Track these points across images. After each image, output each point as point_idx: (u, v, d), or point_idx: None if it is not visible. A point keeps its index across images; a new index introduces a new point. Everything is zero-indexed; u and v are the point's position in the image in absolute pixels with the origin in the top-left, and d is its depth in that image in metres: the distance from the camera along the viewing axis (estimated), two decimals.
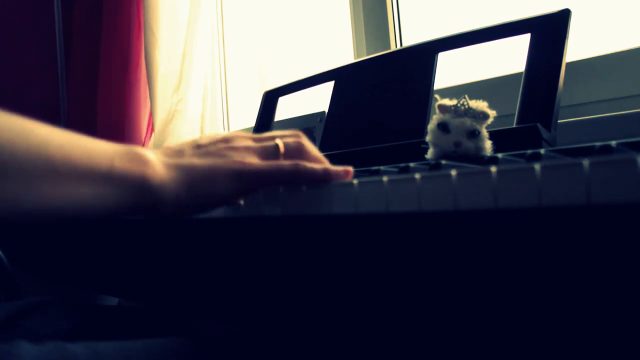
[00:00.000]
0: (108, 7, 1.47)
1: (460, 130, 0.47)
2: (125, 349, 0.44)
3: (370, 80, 0.80)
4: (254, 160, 0.39)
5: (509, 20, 0.67)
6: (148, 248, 0.66)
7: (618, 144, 0.34)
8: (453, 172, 0.29)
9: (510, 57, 0.88)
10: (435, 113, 0.50)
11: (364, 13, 1.15)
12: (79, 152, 0.33)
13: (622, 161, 0.23)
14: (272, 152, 0.41)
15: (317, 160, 0.43)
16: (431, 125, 0.49)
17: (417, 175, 0.31)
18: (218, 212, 0.46)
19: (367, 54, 1.13)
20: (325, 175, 0.39)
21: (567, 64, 0.62)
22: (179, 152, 0.39)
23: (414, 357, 0.35)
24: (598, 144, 0.34)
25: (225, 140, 0.41)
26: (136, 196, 0.35)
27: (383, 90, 0.77)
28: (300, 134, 0.44)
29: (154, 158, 0.37)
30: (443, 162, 0.41)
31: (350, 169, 0.40)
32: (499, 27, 0.68)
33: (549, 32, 0.62)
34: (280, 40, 1.46)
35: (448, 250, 0.31)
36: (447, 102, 0.49)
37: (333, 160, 0.44)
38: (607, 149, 0.34)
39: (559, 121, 0.60)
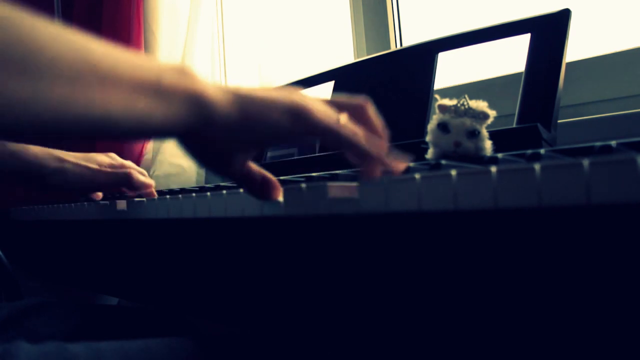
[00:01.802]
0: (108, 7, 1.47)
1: (460, 130, 0.47)
2: (125, 349, 0.44)
3: (370, 80, 0.80)
4: (315, 109, 0.37)
5: (509, 20, 0.67)
6: (148, 248, 0.66)
7: (618, 144, 0.34)
8: (453, 172, 0.29)
9: (510, 57, 0.88)
10: (435, 113, 0.50)
11: (364, 13, 1.15)
12: (124, 62, 0.31)
13: (622, 161, 0.23)
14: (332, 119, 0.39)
15: (377, 131, 0.41)
16: (431, 125, 0.49)
17: (417, 175, 0.31)
18: (219, 212, 0.46)
19: (367, 54, 1.13)
20: (378, 161, 0.36)
21: (567, 64, 0.62)
22: (238, 85, 0.37)
23: (415, 358, 0.35)
24: (598, 144, 0.34)
25: (292, 89, 0.39)
26: (185, 110, 0.33)
27: (383, 90, 0.77)
28: (367, 103, 0.41)
29: (205, 79, 0.35)
30: (443, 162, 0.41)
31: (401, 167, 0.37)
32: (499, 27, 0.68)
33: (549, 32, 0.62)
34: (280, 40, 1.46)
35: (448, 250, 0.31)
36: (447, 102, 0.49)
37: (333, 160, 0.44)
38: (607, 149, 0.34)
39: (559, 121, 0.60)
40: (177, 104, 0.33)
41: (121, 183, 0.64)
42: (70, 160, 0.65)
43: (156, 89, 0.32)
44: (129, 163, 0.71)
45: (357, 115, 0.40)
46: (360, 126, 0.39)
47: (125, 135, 0.32)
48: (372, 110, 0.41)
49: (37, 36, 0.27)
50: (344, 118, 0.38)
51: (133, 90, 0.31)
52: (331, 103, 0.39)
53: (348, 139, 0.37)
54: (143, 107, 0.31)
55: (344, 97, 0.41)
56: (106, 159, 0.69)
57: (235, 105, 0.35)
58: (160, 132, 0.34)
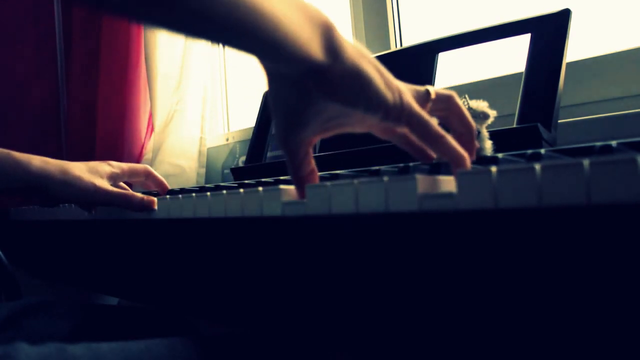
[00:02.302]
0: None
1: None
2: (126, 350, 0.44)
3: None
4: (412, 99, 0.38)
5: (509, 20, 0.67)
6: (148, 248, 0.66)
7: (618, 144, 0.34)
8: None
9: (510, 57, 0.88)
10: None
11: (364, 13, 1.15)
12: None
13: (622, 161, 0.23)
14: (422, 96, 0.40)
15: (466, 122, 0.41)
16: None
17: (418, 176, 0.31)
18: (218, 212, 0.46)
19: None
20: (462, 161, 0.36)
21: (567, 64, 0.62)
22: None
23: (416, 357, 0.35)
24: (598, 144, 0.34)
25: None
26: (320, 39, 0.34)
27: None
28: (454, 95, 0.42)
29: None
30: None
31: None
32: (499, 27, 0.68)
33: (549, 32, 0.62)
34: None
35: (447, 250, 0.31)
36: None
37: (334, 160, 0.44)
38: (607, 149, 0.34)
39: (559, 121, 0.60)
40: (317, 29, 0.34)
41: (119, 205, 0.64)
42: (74, 172, 0.64)
43: (303, 8, 0.33)
44: (127, 167, 0.70)
45: (445, 105, 0.41)
46: (449, 116, 0.41)
47: (276, 45, 0.32)
48: (459, 101, 0.42)
49: None
50: (431, 89, 0.40)
51: (289, 1, 0.32)
52: (418, 92, 0.40)
53: (437, 133, 0.37)
54: (296, 20, 0.32)
55: (432, 88, 0.41)
56: (107, 168, 0.68)
57: (359, 55, 0.37)
58: (298, 55, 0.33)
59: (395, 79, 0.39)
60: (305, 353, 0.52)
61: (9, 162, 0.64)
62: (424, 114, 0.37)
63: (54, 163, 0.65)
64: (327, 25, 0.35)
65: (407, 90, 0.38)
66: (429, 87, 0.40)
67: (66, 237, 0.88)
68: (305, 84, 0.37)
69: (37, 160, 0.65)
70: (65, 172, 0.64)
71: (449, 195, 0.29)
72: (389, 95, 0.36)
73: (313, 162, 0.41)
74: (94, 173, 0.66)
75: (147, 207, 0.60)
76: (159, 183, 0.72)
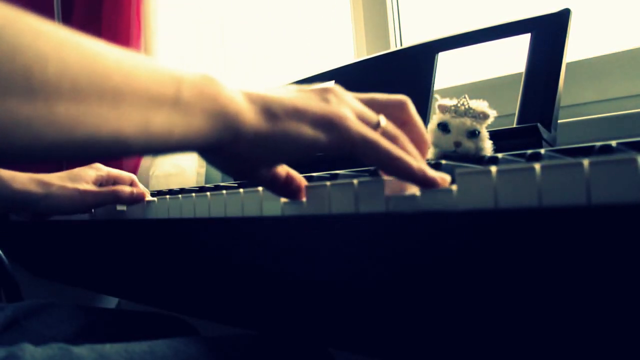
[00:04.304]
0: (108, 7, 1.47)
1: (461, 130, 0.47)
2: (129, 351, 0.44)
3: (370, 80, 0.80)
4: (351, 118, 0.33)
5: (509, 20, 0.67)
6: (147, 248, 0.66)
7: (618, 144, 0.34)
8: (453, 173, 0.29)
9: (510, 57, 0.88)
10: (435, 113, 0.50)
11: (364, 13, 1.15)
12: (139, 72, 0.28)
13: (622, 161, 0.23)
14: (370, 123, 0.35)
15: (419, 132, 0.38)
16: (431, 126, 0.49)
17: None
18: (218, 212, 0.46)
19: (367, 54, 1.13)
20: (421, 177, 0.32)
21: (567, 64, 0.62)
22: (267, 90, 0.34)
23: (415, 355, 0.35)
24: (598, 144, 0.34)
25: (327, 90, 0.35)
26: (209, 125, 0.30)
27: (383, 90, 0.77)
28: (408, 102, 0.38)
29: (229, 86, 0.32)
30: (443, 162, 0.41)
31: (447, 178, 0.34)
32: (499, 27, 0.68)
33: (549, 32, 0.62)
34: (280, 40, 1.46)
35: (446, 250, 0.31)
36: (447, 102, 0.49)
37: (334, 160, 0.44)
38: (607, 149, 0.34)
39: (559, 121, 0.60)
40: (200, 119, 0.30)
41: (109, 202, 0.64)
42: (56, 184, 0.64)
43: (175, 102, 0.29)
44: (114, 172, 0.70)
45: (397, 114, 0.38)
46: (400, 128, 0.36)
47: (140, 153, 0.30)
48: (412, 109, 0.38)
49: (40, 46, 0.24)
50: (383, 120, 0.35)
51: (149, 105, 0.28)
52: (368, 102, 0.37)
53: (388, 153, 0.33)
54: (161, 123, 0.28)
55: (382, 95, 0.38)
56: (91, 172, 0.67)
57: (264, 117, 0.32)
58: (180, 148, 0.31)
59: (336, 98, 0.35)
60: (306, 354, 0.52)
61: None
62: (369, 135, 0.33)
63: (33, 178, 0.64)
64: (216, 105, 0.30)
65: (348, 114, 0.34)
66: (381, 118, 0.36)
67: (66, 238, 0.88)
68: (223, 157, 0.34)
69: (21, 178, 0.64)
70: (46, 185, 0.63)
71: (448, 192, 0.29)
72: (321, 136, 0.33)
73: (281, 170, 0.38)
74: (77, 180, 0.65)
75: (137, 199, 0.60)
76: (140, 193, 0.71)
